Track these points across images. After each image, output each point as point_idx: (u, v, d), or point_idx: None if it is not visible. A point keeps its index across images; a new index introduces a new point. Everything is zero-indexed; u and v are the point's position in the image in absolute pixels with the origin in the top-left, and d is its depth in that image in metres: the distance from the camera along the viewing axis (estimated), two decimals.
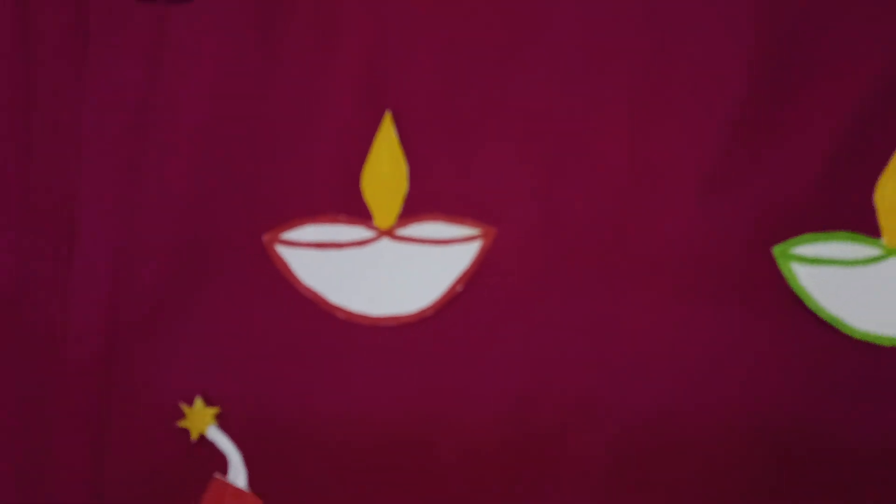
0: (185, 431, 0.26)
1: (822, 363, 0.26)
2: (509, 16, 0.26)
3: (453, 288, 0.26)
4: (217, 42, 0.26)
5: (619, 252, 0.26)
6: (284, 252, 0.26)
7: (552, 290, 0.26)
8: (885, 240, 0.26)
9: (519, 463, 0.26)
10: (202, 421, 0.26)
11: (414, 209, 0.26)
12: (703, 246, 0.26)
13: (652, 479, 0.26)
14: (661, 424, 0.26)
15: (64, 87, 0.27)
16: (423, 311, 0.26)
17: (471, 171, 0.26)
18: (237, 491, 0.26)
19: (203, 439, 0.26)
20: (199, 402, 0.26)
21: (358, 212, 0.26)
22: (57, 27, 0.26)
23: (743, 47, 0.26)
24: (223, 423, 0.26)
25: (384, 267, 0.26)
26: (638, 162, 0.26)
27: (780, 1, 0.26)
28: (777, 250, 0.27)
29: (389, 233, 0.26)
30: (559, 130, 0.26)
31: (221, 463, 0.26)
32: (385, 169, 0.26)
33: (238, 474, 0.26)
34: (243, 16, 0.26)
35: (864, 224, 0.26)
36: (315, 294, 0.26)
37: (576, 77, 0.26)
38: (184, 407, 0.26)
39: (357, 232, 0.26)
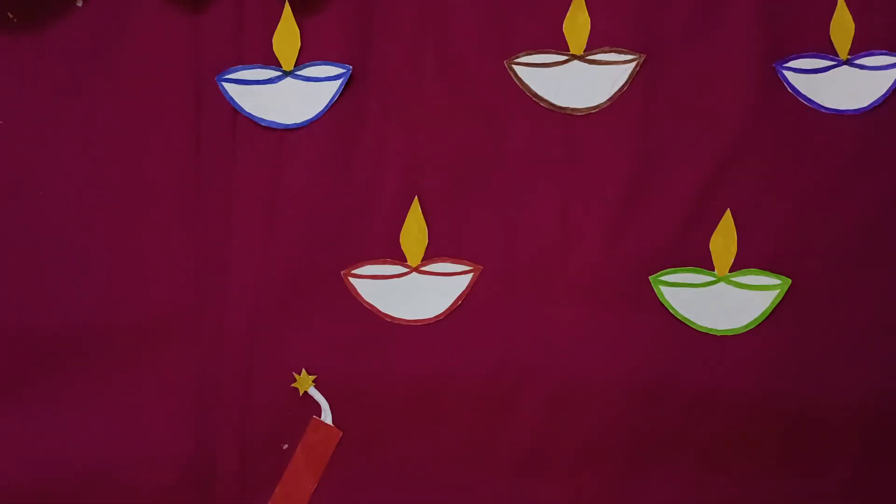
0: (296, 390, 0.42)
1: (678, 346, 0.42)
2: (485, 146, 0.42)
3: (456, 302, 0.43)
4: (314, 154, 0.43)
5: (553, 280, 0.42)
6: (354, 281, 0.43)
7: (513, 302, 0.42)
8: (716, 271, 0.43)
9: (491, 401, 0.42)
10: (306, 383, 0.42)
11: (431, 255, 0.42)
12: (606, 275, 0.42)
13: (570, 412, 0.42)
14: (577, 382, 0.42)
15: (221, 181, 0.43)
16: (438, 316, 0.42)
17: (466, 233, 0.42)
18: (327, 426, 0.43)
19: (307, 395, 0.42)
20: (304, 372, 0.42)
21: (398, 257, 0.43)
22: (217, 144, 0.43)
23: (627, 160, 0.42)
24: (319, 385, 0.42)
25: (414, 290, 0.42)
26: (567, 225, 0.42)
27: (645, 133, 0.43)
28: (652, 278, 0.43)
29: (417, 269, 0.43)
30: (518, 209, 0.42)
31: (317, 409, 0.42)
32: (414, 231, 0.42)
33: (327, 416, 0.43)
34: (331, 138, 0.42)
35: (704, 262, 0.43)
36: (373, 306, 0.42)
37: (526, 181, 0.42)
38: (295, 375, 0.43)
39: (397, 269, 0.42)
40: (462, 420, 0.43)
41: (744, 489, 0.42)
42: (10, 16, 0.43)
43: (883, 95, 0.42)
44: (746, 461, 0.42)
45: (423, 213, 0.42)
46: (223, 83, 0.43)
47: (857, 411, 0.42)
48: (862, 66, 0.42)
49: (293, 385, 0.43)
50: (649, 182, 0.42)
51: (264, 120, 0.43)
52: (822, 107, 0.42)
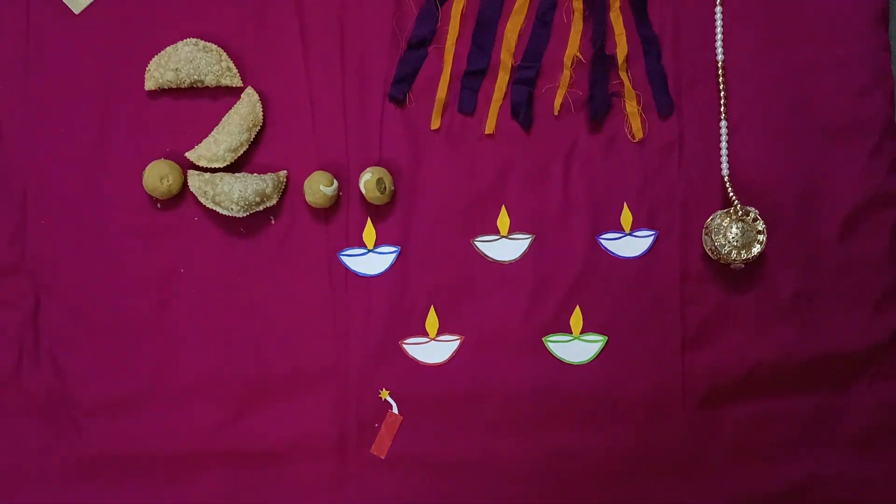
0: (380, 398, 0.89)
1: (556, 370, 0.89)
2: (464, 281, 0.91)
3: (453, 354, 0.90)
4: (385, 289, 0.90)
5: (499, 343, 0.88)
6: (406, 346, 0.89)
7: (479, 353, 0.88)
8: (573, 334, 0.91)
9: (470, 395, 0.86)
10: (385, 394, 0.88)
11: (440, 332, 0.90)
12: (523, 338, 0.89)
13: (506, 400, 0.88)
14: (509, 387, 0.88)
15: (342, 298, 0.90)
16: (444, 361, 0.88)
17: (456, 322, 0.90)
18: (395, 415, 0.90)
19: (386, 401, 0.89)
20: (384, 390, 0.90)
21: (425, 334, 0.90)
22: (339, 283, 0.92)
23: (529, 284, 0.91)
24: (392, 395, 0.89)
25: (433, 349, 0.88)
26: (505, 316, 0.89)
27: (537, 272, 0.91)
28: (544, 338, 0.90)
29: (434, 339, 0.90)
30: (480, 310, 0.90)
31: (390, 407, 0.91)
32: (432, 321, 0.90)
33: (395, 409, 0.90)
34: (391, 280, 0.91)
35: (567, 330, 0.91)
36: (414, 358, 0.88)
37: (484, 296, 0.89)
38: (381, 390, 0.90)
39: (425, 339, 0.89)
40: (454, 406, 0.85)
41: (588, 433, 0.87)
42: (242, 229, 0.92)
43: (645, 250, 0.91)
44: (588, 421, 0.88)
45: (436, 313, 0.91)
46: (341, 256, 0.92)
47: (636, 396, 0.89)
48: (635, 236, 0.91)
49: (379, 395, 0.91)
50: (539, 294, 0.89)
51: (360, 273, 0.91)
52: (619, 256, 0.91)
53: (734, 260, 0.86)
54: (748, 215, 0.87)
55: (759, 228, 0.86)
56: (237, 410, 0.89)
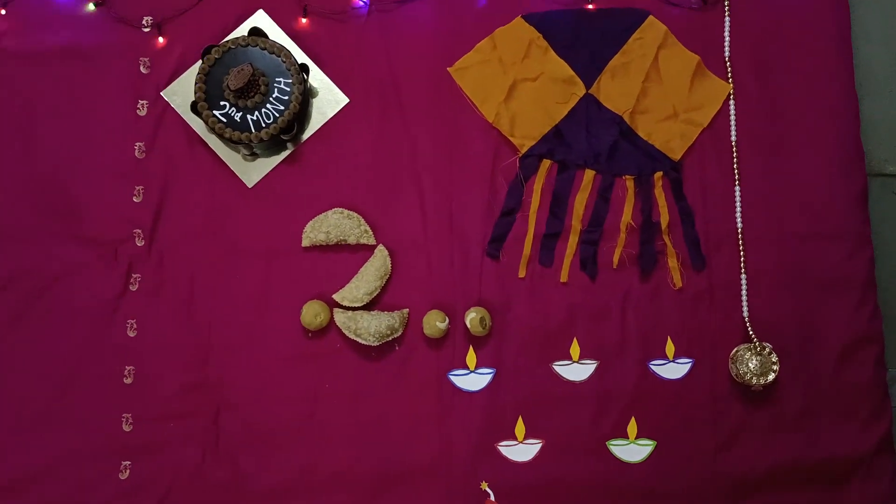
0: (480, 488, 1.16)
1: (616, 467, 1.16)
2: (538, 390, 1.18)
3: (537, 454, 1.17)
4: (482, 407, 1.18)
5: (579, 450, 1.16)
6: (501, 447, 1.18)
7: (557, 452, 1.16)
8: (629, 439, 1.18)
9: (551, 476, 1.14)
10: (485, 485, 1.15)
11: (527, 435, 1.18)
12: (591, 445, 1.17)
13: (579, 493, 1.16)
14: (588, 481, 1.16)
15: (462, 414, 1.18)
16: (531, 459, 1.17)
17: (540, 428, 1.17)
18: (492, 502, 1.16)
19: (485, 491, 1.15)
20: (483, 482, 1.17)
21: (516, 439, 1.18)
22: (447, 396, 1.19)
23: (587, 412, 1.18)
24: (490, 485, 1.15)
25: (525, 449, 1.17)
26: (575, 437, 1.18)
27: (602, 401, 1.18)
28: (608, 442, 1.17)
29: (522, 442, 1.18)
30: (555, 430, 1.17)
31: (487, 496, 1.16)
32: (520, 429, 1.18)
33: (493, 498, 1.16)
34: (488, 396, 1.18)
35: (624, 435, 1.18)
36: (507, 458, 1.17)
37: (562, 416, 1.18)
38: (482, 482, 1.16)
39: (516, 442, 1.18)
40: (537, 494, 1.13)
41: None
42: (374, 354, 1.19)
43: (685, 374, 1.18)
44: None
45: (523, 422, 1.18)
46: (449, 376, 1.17)
47: (678, 489, 1.14)
48: (677, 363, 1.18)
49: (480, 486, 1.15)
50: (603, 407, 1.15)
51: (464, 388, 1.16)
52: (665, 378, 1.18)
53: (754, 384, 1.13)
54: (765, 349, 1.14)
55: (774, 360, 1.13)
56: (367, 497, 1.14)
